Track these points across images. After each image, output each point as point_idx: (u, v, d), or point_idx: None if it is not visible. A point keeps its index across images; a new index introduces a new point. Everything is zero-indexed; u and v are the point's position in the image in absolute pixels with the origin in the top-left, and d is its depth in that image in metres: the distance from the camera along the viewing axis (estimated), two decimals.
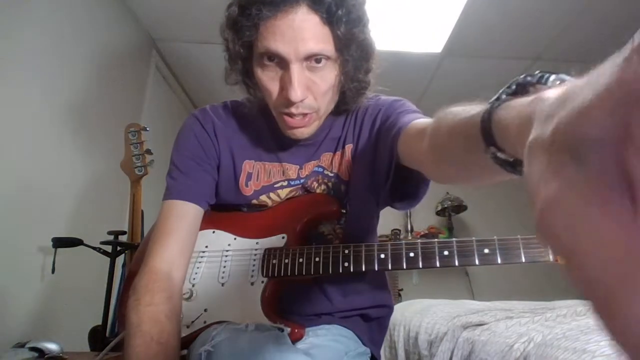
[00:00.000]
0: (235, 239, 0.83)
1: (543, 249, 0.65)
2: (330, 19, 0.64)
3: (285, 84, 0.67)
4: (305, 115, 0.71)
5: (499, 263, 0.66)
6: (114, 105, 2.13)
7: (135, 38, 2.40)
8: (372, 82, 0.77)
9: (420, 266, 0.69)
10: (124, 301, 0.78)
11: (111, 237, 1.49)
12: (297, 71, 0.65)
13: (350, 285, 0.83)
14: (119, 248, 1.48)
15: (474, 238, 0.69)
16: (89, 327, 1.43)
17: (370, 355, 0.82)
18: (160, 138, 1.84)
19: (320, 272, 0.74)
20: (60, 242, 1.45)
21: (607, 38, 2.46)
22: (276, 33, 0.64)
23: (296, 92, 0.66)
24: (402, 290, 3.20)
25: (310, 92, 0.69)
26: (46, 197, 1.63)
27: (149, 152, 1.56)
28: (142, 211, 1.58)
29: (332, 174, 0.82)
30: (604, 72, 0.16)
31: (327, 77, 0.69)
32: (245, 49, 0.70)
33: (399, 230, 3.39)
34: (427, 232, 3.54)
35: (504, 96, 0.32)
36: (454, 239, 0.71)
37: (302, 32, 0.63)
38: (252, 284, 0.77)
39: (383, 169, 0.71)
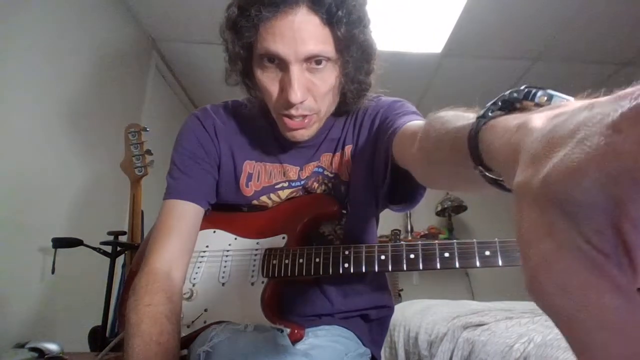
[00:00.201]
0: (235, 239, 0.83)
1: None
2: (330, 20, 0.64)
3: (285, 86, 0.67)
4: (305, 117, 0.71)
5: (500, 265, 0.65)
6: (114, 106, 2.13)
7: (135, 38, 2.39)
8: (373, 83, 0.77)
9: (421, 268, 0.69)
10: (124, 301, 0.78)
11: (111, 238, 1.49)
12: (297, 73, 0.65)
13: (350, 286, 0.83)
14: (118, 248, 1.48)
15: (475, 240, 0.69)
16: (88, 328, 1.43)
17: (370, 356, 0.82)
18: (160, 138, 1.84)
19: (321, 272, 0.74)
20: (60, 243, 1.45)
21: (607, 38, 2.46)
22: (276, 34, 0.64)
23: (296, 94, 0.66)
24: (402, 290, 3.20)
25: (311, 93, 0.69)
26: (46, 198, 1.63)
27: (149, 152, 1.56)
28: (142, 211, 1.58)
29: (332, 175, 0.82)
30: (592, 129, 0.16)
31: (328, 79, 0.69)
32: (245, 50, 0.70)
33: (399, 231, 3.39)
34: (427, 232, 3.54)
35: (490, 113, 0.31)
36: (454, 240, 0.71)
37: (302, 33, 0.63)
38: (252, 284, 0.77)
39: (380, 170, 0.71)
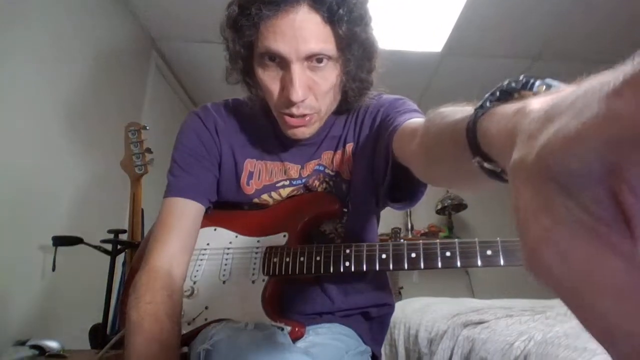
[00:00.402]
0: (236, 236, 0.83)
1: None
2: (331, 18, 0.64)
3: (286, 84, 0.67)
4: (305, 115, 0.71)
5: (501, 265, 0.65)
6: (114, 104, 2.13)
7: (135, 37, 2.39)
8: (374, 81, 0.76)
9: (422, 267, 0.69)
10: (125, 299, 0.78)
11: (111, 236, 1.49)
12: (298, 71, 0.65)
13: (351, 285, 0.83)
14: (119, 247, 1.48)
15: (476, 239, 0.68)
16: (89, 325, 1.43)
17: (371, 353, 0.82)
18: (160, 137, 1.84)
19: (321, 271, 0.74)
20: (61, 241, 1.45)
21: (607, 36, 2.46)
22: (277, 33, 0.63)
23: (297, 93, 0.65)
24: (402, 288, 3.21)
25: (312, 92, 0.69)
26: (46, 196, 1.63)
27: (149, 150, 1.56)
28: (143, 210, 1.58)
29: (332, 173, 0.82)
30: (590, 101, 0.16)
31: (329, 77, 0.69)
32: (246, 49, 0.70)
33: (399, 229, 3.39)
34: (427, 230, 3.54)
35: (488, 103, 0.31)
36: (456, 239, 0.70)
37: (303, 32, 0.63)
38: (253, 282, 0.77)
39: (381, 168, 0.71)
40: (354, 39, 0.67)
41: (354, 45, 0.68)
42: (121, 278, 1.53)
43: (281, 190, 0.82)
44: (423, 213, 3.59)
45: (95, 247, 1.47)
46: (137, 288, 0.67)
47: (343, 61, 0.69)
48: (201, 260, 0.82)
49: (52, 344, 1.17)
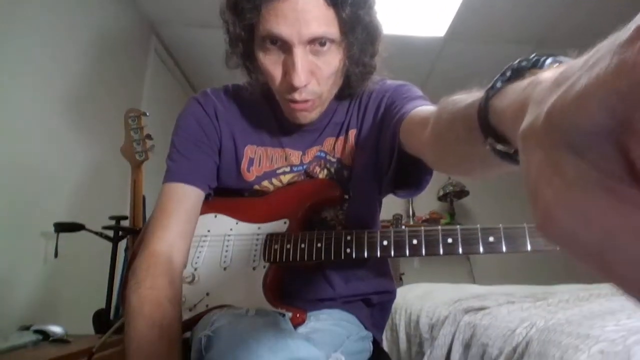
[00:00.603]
0: (237, 223, 0.83)
1: None
2: (334, 1, 0.62)
3: (288, 69, 0.66)
4: (307, 100, 0.70)
5: (504, 252, 0.65)
6: (113, 91, 2.11)
7: (133, 22, 2.36)
8: (377, 66, 0.75)
9: (424, 254, 0.68)
10: (127, 285, 0.78)
11: (113, 222, 1.50)
12: (300, 55, 0.64)
13: (352, 271, 0.82)
14: (120, 233, 1.49)
15: (478, 226, 0.68)
16: (92, 311, 1.44)
17: (372, 339, 0.83)
18: (160, 123, 1.83)
19: (322, 258, 0.73)
20: (62, 227, 1.46)
21: (611, 20, 2.41)
22: (278, 15, 0.62)
23: (300, 77, 0.64)
24: (403, 274, 3.22)
25: (314, 76, 0.67)
26: (47, 183, 1.63)
27: (149, 137, 1.55)
28: (144, 196, 1.58)
29: (334, 159, 0.81)
30: (602, 55, 0.15)
31: (332, 61, 0.67)
32: (247, 32, 0.68)
33: (401, 216, 3.39)
34: (428, 217, 3.54)
35: (499, 84, 0.30)
36: (458, 226, 0.70)
37: (305, 15, 0.61)
38: (254, 268, 0.77)
39: (385, 156, 0.70)
40: (358, 22, 0.66)
41: (358, 29, 0.66)
42: (123, 264, 1.54)
43: (282, 177, 0.81)
44: (424, 200, 3.58)
45: (97, 233, 1.48)
46: (137, 273, 0.67)
47: (346, 45, 0.68)
48: (202, 247, 0.82)
49: (56, 329, 1.18)
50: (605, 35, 0.17)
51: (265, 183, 0.82)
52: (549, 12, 2.40)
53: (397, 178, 0.71)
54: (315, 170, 0.81)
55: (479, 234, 0.67)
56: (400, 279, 3.16)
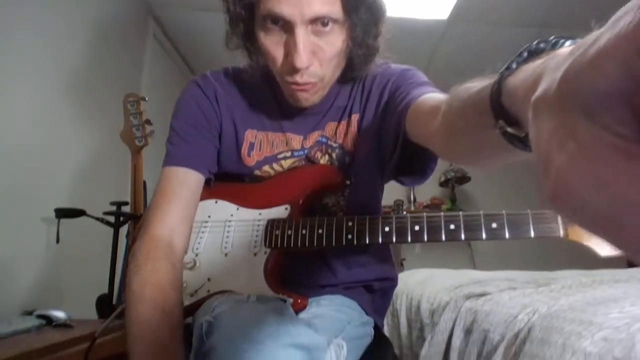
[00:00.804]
0: (237, 209, 0.82)
1: (553, 224, 0.63)
2: None
3: (289, 49, 0.64)
4: (309, 83, 0.68)
5: (506, 238, 0.64)
6: (112, 76, 2.09)
7: (131, 5, 2.32)
8: (380, 47, 0.73)
9: (425, 240, 0.67)
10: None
11: (114, 208, 1.49)
12: (302, 35, 0.62)
13: (354, 258, 0.82)
14: (121, 219, 1.48)
15: (481, 212, 0.67)
16: (94, 296, 1.45)
17: (373, 324, 0.83)
18: (160, 108, 1.81)
19: (324, 244, 0.73)
20: (63, 213, 1.46)
21: (615, 3, 2.37)
22: None
23: (301, 58, 0.62)
24: (404, 259, 3.24)
25: (316, 58, 0.66)
26: (47, 169, 1.63)
27: (148, 122, 1.54)
28: (145, 182, 1.57)
29: (335, 145, 0.79)
30: (621, 16, 0.14)
31: (334, 42, 0.66)
32: (247, 11, 0.66)
33: (402, 201, 3.38)
34: (430, 203, 3.54)
35: (514, 65, 0.29)
36: (460, 212, 0.69)
37: None
38: (255, 254, 0.76)
39: (389, 142, 0.69)
40: (361, 2, 0.64)
41: (361, 8, 0.65)
42: (125, 249, 1.55)
43: (282, 162, 0.80)
44: (426, 185, 3.54)
45: (98, 219, 1.48)
46: (137, 257, 0.66)
47: (349, 25, 0.66)
48: (202, 232, 0.81)
49: (59, 314, 1.18)
50: (609, 18, 0.16)
51: (266, 168, 0.81)
52: None
53: (401, 166, 0.69)
54: (316, 156, 0.80)
55: (482, 220, 0.66)
56: (402, 264, 3.18)
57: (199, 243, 0.80)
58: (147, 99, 1.57)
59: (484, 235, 0.65)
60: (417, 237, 0.69)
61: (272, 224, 0.77)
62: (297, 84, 0.67)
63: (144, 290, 0.62)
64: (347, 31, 0.66)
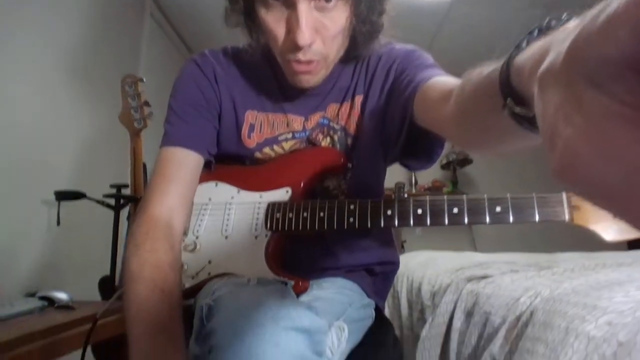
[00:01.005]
0: (238, 191, 0.81)
1: (559, 208, 0.62)
2: None
3: (291, 26, 0.62)
4: (312, 61, 0.66)
5: (510, 222, 0.62)
6: (111, 56, 2.07)
7: None
8: (385, 25, 0.71)
9: (429, 224, 0.66)
10: None
11: (114, 191, 1.49)
12: (304, 11, 0.60)
13: (355, 241, 0.81)
14: (122, 201, 1.48)
15: (485, 195, 0.65)
16: (96, 278, 1.46)
17: (374, 306, 0.83)
18: (159, 89, 1.78)
19: (325, 227, 0.72)
20: (63, 195, 1.45)
21: None
22: None
23: (304, 35, 0.60)
24: (405, 241, 3.25)
25: (319, 35, 0.63)
26: (47, 152, 1.62)
27: (147, 104, 1.51)
28: (144, 164, 1.56)
29: (337, 127, 0.78)
30: None
31: (338, 19, 0.63)
32: None
33: (403, 184, 3.34)
34: (431, 185, 3.53)
35: (524, 43, 0.28)
36: (464, 195, 0.67)
37: None
38: (256, 237, 0.76)
39: (395, 126, 0.67)
40: None
41: None
42: (127, 231, 1.55)
43: (283, 143, 0.79)
44: None
45: (98, 201, 1.47)
46: (136, 236, 0.65)
47: (353, 1, 0.63)
48: (203, 215, 0.80)
49: (61, 295, 1.19)
50: None
51: (267, 150, 0.79)
52: None
53: (406, 150, 0.68)
54: (317, 138, 0.79)
55: (486, 204, 0.65)
56: (402, 246, 3.19)
57: (199, 225, 0.79)
58: (145, 80, 1.54)
59: (487, 219, 0.64)
60: (420, 221, 0.68)
61: (273, 206, 0.76)
62: (299, 61, 0.65)
63: (143, 270, 0.61)
64: (351, 7, 0.64)
